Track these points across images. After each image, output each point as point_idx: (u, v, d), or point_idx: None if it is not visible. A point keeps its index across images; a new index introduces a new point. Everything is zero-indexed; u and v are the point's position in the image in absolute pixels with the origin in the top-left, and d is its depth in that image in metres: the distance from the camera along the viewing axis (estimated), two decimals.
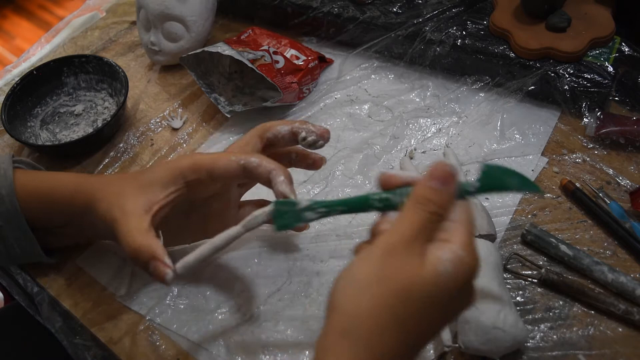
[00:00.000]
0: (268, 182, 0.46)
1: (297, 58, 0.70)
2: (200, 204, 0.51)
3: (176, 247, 0.55)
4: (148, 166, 0.66)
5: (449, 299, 0.35)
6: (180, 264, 0.43)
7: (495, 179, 0.39)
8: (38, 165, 0.59)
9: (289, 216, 0.42)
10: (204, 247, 0.43)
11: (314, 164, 0.54)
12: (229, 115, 0.66)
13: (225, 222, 0.50)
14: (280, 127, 0.51)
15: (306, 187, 0.62)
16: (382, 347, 0.33)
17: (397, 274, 0.35)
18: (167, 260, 0.43)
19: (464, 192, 0.38)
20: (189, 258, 0.43)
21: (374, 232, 0.39)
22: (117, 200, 0.46)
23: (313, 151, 0.53)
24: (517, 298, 0.52)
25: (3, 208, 0.50)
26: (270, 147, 0.52)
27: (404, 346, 0.34)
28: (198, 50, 0.67)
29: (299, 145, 0.52)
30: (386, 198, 0.40)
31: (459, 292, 0.36)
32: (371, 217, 0.59)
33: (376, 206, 0.40)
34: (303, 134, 0.50)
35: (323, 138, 0.51)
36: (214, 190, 0.50)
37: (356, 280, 0.35)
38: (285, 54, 0.70)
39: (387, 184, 0.40)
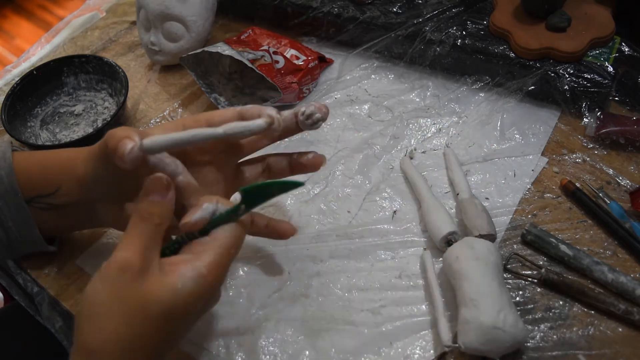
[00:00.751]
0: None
1: (297, 58, 0.70)
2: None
3: None
4: None
5: (186, 313, 0.38)
6: (148, 139, 0.40)
7: (256, 194, 0.41)
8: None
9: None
10: (180, 133, 0.41)
11: (314, 164, 0.52)
12: None
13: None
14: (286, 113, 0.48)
15: (306, 187, 0.62)
16: None
17: (134, 294, 0.37)
18: (137, 139, 0.40)
19: (231, 215, 0.40)
20: (159, 137, 0.40)
21: None
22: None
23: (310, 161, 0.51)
24: (517, 298, 0.52)
25: (2, 188, 0.50)
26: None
27: None
28: (198, 51, 0.67)
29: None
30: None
31: (198, 306, 0.39)
32: (371, 216, 0.59)
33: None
34: (303, 109, 0.47)
35: (320, 111, 0.48)
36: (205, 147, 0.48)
37: (96, 311, 0.37)
38: (285, 54, 0.70)
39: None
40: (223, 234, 0.40)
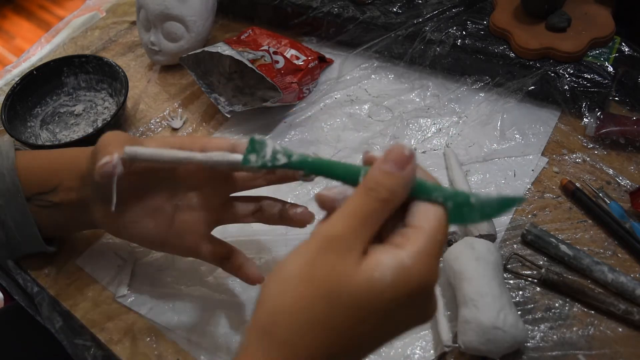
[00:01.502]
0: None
1: (297, 58, 0.70)
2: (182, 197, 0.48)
3: None
4: None
5: (385, 310, 0.31)
6: (130, 149, 0.41)
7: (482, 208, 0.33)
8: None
9: (259, 149, 0.39)
10: (162, 150, 0.42)
11: (301, 220, 0.49)
12: (228, 116, 0.66)
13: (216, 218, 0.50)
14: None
15: (306, 187, 0.62)
16: (298, 350, 0.31)
17: (328, 274, 0.31)
18: (115, 156, 0.42)
19: (427, 191, 0.33)
20: (144, 149, 0.41)
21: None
22: None
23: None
24: (517, 298, 0.52)
25: (3, 186, 0.50)
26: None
27: (325, 353, 0.31)
28: (198, 51, 0.67)
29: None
30: None
31: (399, 305, 0.31)
32: None
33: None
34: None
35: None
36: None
37: (284, 277, 0.32)
38: (285, 54, 0.70)
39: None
40: (426, 219, 0.33)
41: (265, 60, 0.67)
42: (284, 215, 0.49)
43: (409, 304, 0.32)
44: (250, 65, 0.65)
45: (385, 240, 0.33)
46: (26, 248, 0.53)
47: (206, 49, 0.66)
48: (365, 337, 0.32)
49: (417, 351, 0.49)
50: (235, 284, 0.55)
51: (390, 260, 0.31)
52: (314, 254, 0.32)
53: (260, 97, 0.70)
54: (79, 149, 0.51)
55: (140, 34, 0.75)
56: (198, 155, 0.42)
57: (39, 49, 0.85)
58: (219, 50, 0.65)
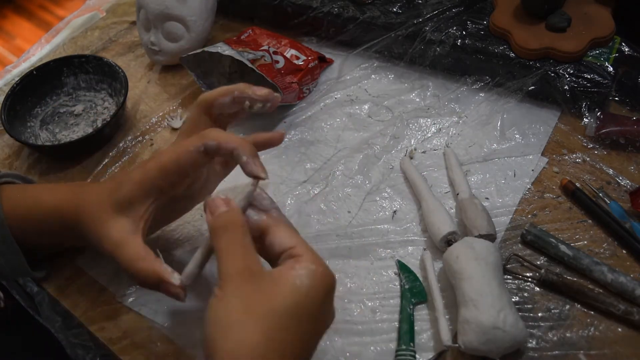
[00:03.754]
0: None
1: (297, 58, 0.70)
2: (180, 194, 0.50)
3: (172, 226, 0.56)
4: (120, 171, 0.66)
5: (313, 309, 0.38)
6: (184, 276, 0.44)
7: None
8: (28, 177, 0.58)
9: None
10: (199, 253, 0.44)
11: (270, 142, 0.51)
12: None
13: (210, 190, 0.53)
14: (222, 99, 0.49)
15: (306, 187, 0.62)
16: None
17: (259, 300, 0.37)
18: (175, 280, 0.44)
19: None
20: (190, 268, 0.44)
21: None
22: (102, 230, 0.46)
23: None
24: (517, 298, 0.52)
25: None
26: (220, 116, 0.51)
27: None
28: (198, 51, 0.67)
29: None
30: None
31: (323, 303, 0.39)
32: (371, 216, 0.59)
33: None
34: (247, 104, 0.49)
35: (268, 100, 0.49)
36: (189, 182, 0.49)
37: (226, 320, 0.37)
38: (285, 54, 0.70)
39: None
40: (289, 238, 0.42)
41: (265, 60, 0.67)
42: (257, 142, 0.50)
43: (327, 300, 0.40)
44: (250, 65, 0.65)
45: (280, 265, 0.40)
46: (14, 275, 0.54)
47: (206, 49, 0.66)
48: (306, 337, 0.39)
49: (417, 351, 0.49)
50: None
51: (301, 270, 0.38)
52: (236, 291, 0.38)
53: None
54: (61, 200, 0.50)
55: (140, 34, 0.75)
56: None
57: (39, 49, 0.85)
58: (219, 50, 0.65)
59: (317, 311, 0.39)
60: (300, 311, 0.38)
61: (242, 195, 0.44)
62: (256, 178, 0.44)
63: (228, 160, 0.52)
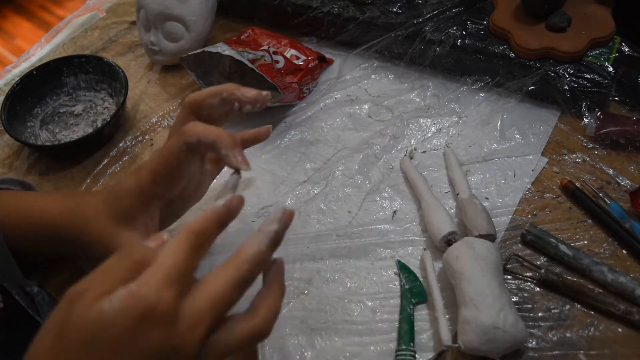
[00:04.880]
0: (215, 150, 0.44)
1: (297, 58, 0.70)
2: (176, 197, 0.50)
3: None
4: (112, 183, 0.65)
5: (120, 338, 0.30)
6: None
7: None
8: (27, 182, 0.58)
9: None
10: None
11: (258, 136, 0.52)
12: None
13: (203, 190, 0.54)
14: (210, 100, 0.47)
15: (306, 187, 0.62)
16: None
17: (61, 321, 0.31)
18: None
19: None
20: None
21: None
22: (113, 244, 0.45)
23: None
24: (517, 298, 0.52)
25: None
26: (209, 117, 0.49)
27: None
28: (198, 51, 0.67)
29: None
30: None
31: (134, 332, 0.30)
32: (371, 216, 0.59)
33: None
34: (236, 105, 0.48)
35: (257, 102, 0.47)
36: (185, 182, 0.48)
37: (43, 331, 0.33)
38: (285, 54, 0.70)
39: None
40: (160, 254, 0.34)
41: (265, 60, 0.67)
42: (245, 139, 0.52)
43: (145, 329, 0.31)
44: (250, 65, 0.65)
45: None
46: (4, 279, 0.53)
47: (206, 49, 0.66)
48: None
49: (417, 351, 0.49)
50: None
51: (120, 292, 0.31)
52: (60, 309, 0.32)
53: None
54: (59, 213, 0.49)
55: (140, 34, 0.75)
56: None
57: (39, 49, 0.85)
58: (219, 50, 0.65)
59: (122, 342, 0.31)
60: (99, 341, 0.30)
61: (226, 188, 0.43)
62: (236, 169, 0.43)
63: (218, 158, 0.49)
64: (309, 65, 0.70)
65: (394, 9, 0.72)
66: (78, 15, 0.89)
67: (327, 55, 0.75)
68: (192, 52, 0.68)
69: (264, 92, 0.48)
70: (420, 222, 0.58)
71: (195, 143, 0.43)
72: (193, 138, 0.43)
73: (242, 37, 0.73)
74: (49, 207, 0.50)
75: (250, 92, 0.47)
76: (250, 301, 0.37)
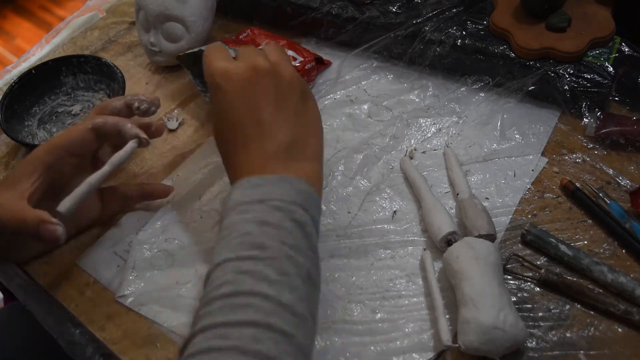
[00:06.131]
0: (118, 136, 0.53)
1: (294, 59, 0.70)
2: (70, 179, 0.54)
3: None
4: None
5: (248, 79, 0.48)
6: (61, 206, 0.48)
7: None
8: None
9: None
10: (80, 187, 0.50)
11: (156, 131, 0.58)
12: None
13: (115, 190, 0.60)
14: (114, 103, 0.56)
15: None
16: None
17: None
18: (54, 220, 0.48)
19: None
20: (68, 199, 0.49)
21: None
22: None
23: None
24: (517, 298, 0.52)
25: None
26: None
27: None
28: (195, 49, 0.67)
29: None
30: None
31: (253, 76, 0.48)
32: (371, 216, 0.59)
33: None
34: (136, 104, 0.56)
35: (154, 105, 0.57)
36: (78, 162, 0.54)
37: None
38: None
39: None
40: None
41: None
42: (145, 190, 0.60)
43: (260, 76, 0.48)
44: None
45: None
46: None
47: (203, 48, 0.66)
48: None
49: (417, 351, 0.49)
50: None
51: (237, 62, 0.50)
52: None
53: None
54: None
55: (140, 34, 0.75)
56: (107, 168, 0.51)
57: (39, 50, 0.85)
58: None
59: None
60: None
61: (126, 148, 0.53)
62: (136, 137, 0.53)
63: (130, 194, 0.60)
64: (306, 67, 0.70)
65: (393, 9, 0.72)
66: (78, 16, 0.89)
67: (326, 57, 0.75)
68: (190, 51, 0.67)
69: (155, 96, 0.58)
70: (420, 222, 0.58)
71: (101, 124, 0.52)
72: (100, 120, 0.53)
73: (240, 37, 0.73)
74: None
75: (150, 96, 0.57)
76: None
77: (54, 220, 0.48)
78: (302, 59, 0.70)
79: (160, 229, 0.59)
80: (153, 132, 0.58)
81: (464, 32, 0.68)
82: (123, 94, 0.68)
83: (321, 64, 0.74)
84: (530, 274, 0.53)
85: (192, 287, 0.55)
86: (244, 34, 0.73)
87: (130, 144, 0.53)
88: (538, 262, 0.54)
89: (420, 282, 0.54)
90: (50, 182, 0.52)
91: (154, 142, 0.69)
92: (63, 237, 0.48)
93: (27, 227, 0.47)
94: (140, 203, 0.61)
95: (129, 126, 0.53)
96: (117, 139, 0.53)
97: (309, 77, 0.71)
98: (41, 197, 0.51)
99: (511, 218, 0.57)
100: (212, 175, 0.64)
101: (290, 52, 0.71)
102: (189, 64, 0.69)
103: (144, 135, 0.53)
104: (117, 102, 0.56)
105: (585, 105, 0.64)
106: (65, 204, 0.48)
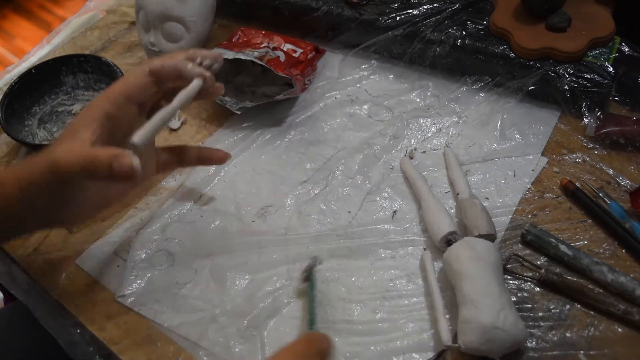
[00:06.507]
0: (179, 78, 0.48)
1: (295, 51, 0.71)
2: (130, 131, 0.48)
3: None
4: None
5: None
6: (136, 136, 0.44)
7: None
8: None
9: None
10: (152, 119, 0.46)
11: (218, 89, 0.53)
12: (239, 112, 0.66)
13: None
14: (171, 60, 0.50)
15: (306, 187, 0.62)
16: None
17: None
18: (128, 151, 0.43)
19: None
20: (142, 130, 0.45)
21: None
22: (58, 148, 0.46)
23: None
24: (517, 298, 0.52)
25: None
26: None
27: None
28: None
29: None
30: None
31: None
32: (371, 216, 0.59)
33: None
34: (199, 59, 0.51)
35: (217, 61, 0.51)
36: (137, 111, 0.49)
37: None
38: (282, 49, 0.70)
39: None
40: None
41: (270, 56, 0.67)
42: (202, 155, 0.57)
43: None
44: (260, 62, 0.65)
45: None
46: None
47: None
48: None
49: (417, 351, 0.49)
50: (235, 284, 0.55)
51: None
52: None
53: (263, 94, 0.70)
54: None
55: (140, 34, 0.75)
56: (175, 104, 0.47)
57: (39, 50, 0.85)
58: (226, 56, 0.65)
59: None
60: None
61: (190, 89, 0.48)
62: (201, 76, 0.48)
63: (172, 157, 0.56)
64: (308, 57, 0.70)
65: (393, 8, 0.72)
66: (78, 16, 0.89)
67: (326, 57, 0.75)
68: None
69: (219, 52, 0.53)
70: (420, 222, 0.58)
71: (158, 67, 0.48)
72: (157, 64, 0.48)
73: (233, 40, 0.73)
74: (18, 174, 0.48)
75: (210, 53, 0.51)
76: None
77: (128, 151, 0.43)
78: (302, 50, 0.71)
79: (160, 229, 0.59)
80: (215, 88, 0.52)
81: (464, 32, 0.68)
82: None
83: (318, 53, 0.74)
84: (530, 274, 0.53)
85: (192, 287, 0.55)
86: (236, 36, 0.74)
87: (196, 82, 0.48)
88: (538, 262, 0.54)
89: (420, 282, 0.54)
90: (111, 132, 0.47)
91: (155, 141, 0.69)
92: (139, 170, 0.43)
93: (99, 164, 0.43)
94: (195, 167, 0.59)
95: (190, 66, 0.48)
96: (177, 82, 0.49)
97: (312, 67, 0.71)
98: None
99: (511, 218, 0.57)
100: (212, 175, 0.64)
101: (289, 46, 0.71)
102: None
103: (208, 74, 0.48)
104: (175, 57, 0.50)
105: (585, 105, 0.64)
106: (139, 135, 0.44)
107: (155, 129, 0.46)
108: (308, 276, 0.53)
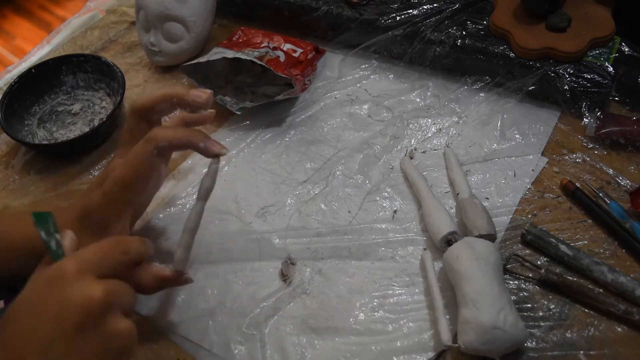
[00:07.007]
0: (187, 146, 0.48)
1: (294, 51, 0.71)
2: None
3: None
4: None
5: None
6: (176, 264, 0.48)
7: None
8: None
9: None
10: (185, 237, 0.48)
11: (208, 119, 0.53)
12: (239, 113, 0.66)
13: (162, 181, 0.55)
14: (161, 105, 0.50)
15: (306, 187, 0.62)
16: None
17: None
18: (187, 276, 0.49)
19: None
20: (180, 254, 0.48)
21: None
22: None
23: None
24: (517, 298, 0.52)
25: None
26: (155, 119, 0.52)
27: None
28: (202, 60, 0.66)
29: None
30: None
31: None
32: (371, 216, 0.59)
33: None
34: (187, 109, 0.51)
35: (207, 105, 0.51)
36: (151, 183, 0.49)
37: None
38: (282, 49, 0.70)
39: None
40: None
41: (270, 56, 0.67)
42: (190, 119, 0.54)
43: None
44: (259, 62, 0.65)
45: None
46: None
47: (210, 59, 0.66)
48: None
49: (417, 350, 0.49)
50: (235, 284, 0.55)
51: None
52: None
53: (263, 94, 0.70)
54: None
55: (140, 34, 0.75)
56: (198, 206, 0.49)
57: (40, 50, 0.85)
58: (226, 55, 0.65)
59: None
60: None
61: (209, 175, 0.48)
62: (217, 156, 0.47)
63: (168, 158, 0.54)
64: (308, 57, 0.70)
65: (392, 8, 0.72)
66: (78, 16, 0.89)
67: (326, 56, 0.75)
68: (192, 62, 0.67)
69: (208, 91, 0.50)
70: (421, 222, 0.58)
71: (166, 147, 0.46)
72: (164, 142, 0.46)
73: (233, 40, 0.73)
74: (27, 232, 0.47)
75: (200, 98, 0.50)
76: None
77: (187, 276, 0.49)
78: (302, 50, 0.70)
79: (160, 229, 0.59)
80: (205, 120, 0.53)
81: (464, 32, 0.68)
82: (123, 92, 0.68)
83: (318, 53, 0.74)
84: (530, 274, 0.53)
85: (192, 286, 0.55)
86: (236, 36, 0.74)
87: (213, 168, 0.48)
88: (538, 262, 0.54)
89: (421, 282, 0.54)
90: (133, 207, 0.49)
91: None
92: (190, 278, 0.49)
93: (150, 284, 0.46)
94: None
95: (201, 145, 0.47)
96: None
97: (312, 67, 0.71)
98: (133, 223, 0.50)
99: (511, 218, 0.57)
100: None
101: (288, 45, 0.71)
102: (191, 72, 0.69)
103: (224, 151, 0.47)
104: (163, 104, 0.50)
105: (585, 105, 0.64)
106: (179, 261, 0.48)
107: (188, 249, 0.48)
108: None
